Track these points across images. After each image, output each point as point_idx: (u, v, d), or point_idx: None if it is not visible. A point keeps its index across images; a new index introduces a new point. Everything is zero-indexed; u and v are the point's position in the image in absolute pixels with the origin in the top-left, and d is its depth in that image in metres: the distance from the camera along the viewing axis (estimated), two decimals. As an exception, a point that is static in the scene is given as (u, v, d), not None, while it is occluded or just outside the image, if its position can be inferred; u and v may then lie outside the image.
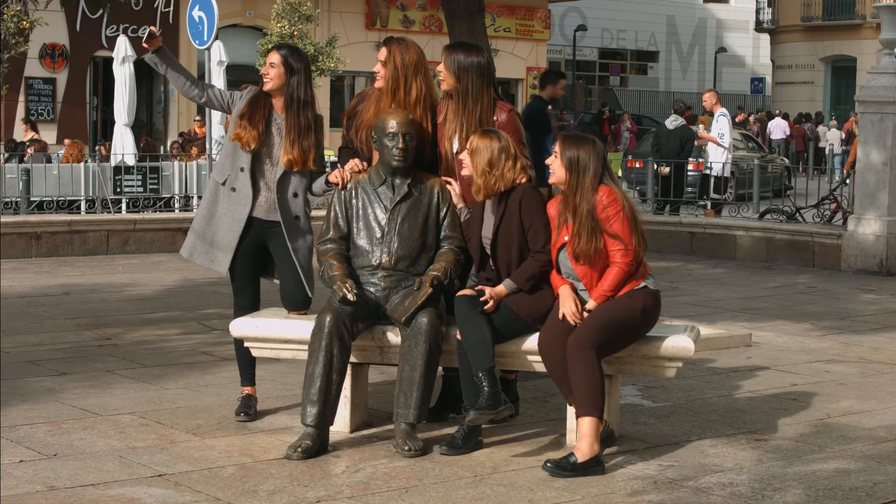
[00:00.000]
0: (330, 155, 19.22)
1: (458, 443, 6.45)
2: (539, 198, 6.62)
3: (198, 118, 27.21)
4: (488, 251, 6.67)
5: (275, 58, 7.02)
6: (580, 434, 6.18)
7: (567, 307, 6.38)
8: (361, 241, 6.77)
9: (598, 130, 39.52)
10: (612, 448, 6.46)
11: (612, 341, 6.35)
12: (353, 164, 6.92)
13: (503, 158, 6.55)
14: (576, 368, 6.22)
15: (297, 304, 7.04)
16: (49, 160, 20.13)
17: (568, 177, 6.40)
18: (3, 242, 14.71)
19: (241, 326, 6.91)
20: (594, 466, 6.12)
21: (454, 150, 6.94)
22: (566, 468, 6.07)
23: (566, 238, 6.41)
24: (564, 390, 6.41)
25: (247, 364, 7.22)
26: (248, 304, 7.16)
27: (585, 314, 6.36)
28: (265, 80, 7.03)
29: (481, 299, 6.46)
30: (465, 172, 6.67)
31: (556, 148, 6.47)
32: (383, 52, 7.06)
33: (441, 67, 6.98)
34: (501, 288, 6.54)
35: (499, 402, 6.34)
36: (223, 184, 7.06)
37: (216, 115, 21.94)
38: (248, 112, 6.99)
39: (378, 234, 6.74)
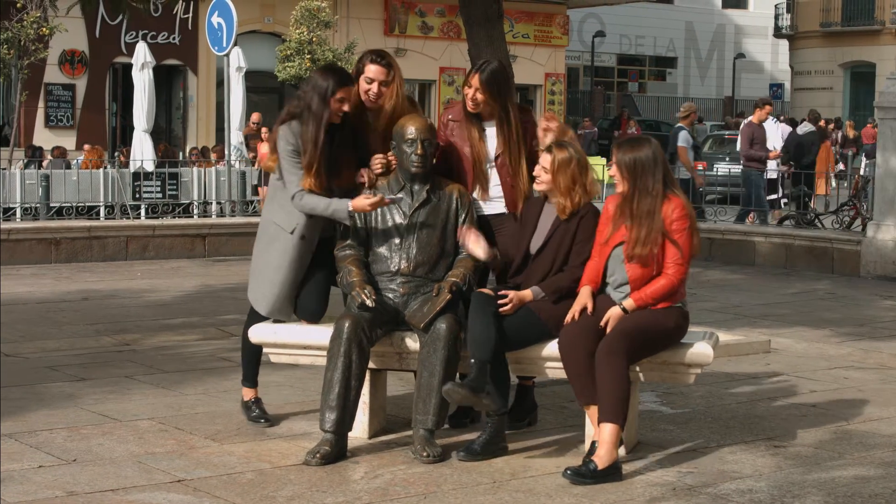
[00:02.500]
0: None
1: (477, 449, 6.44)
2: (598, 217, 6.61)
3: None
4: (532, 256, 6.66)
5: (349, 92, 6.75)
6: (600, 440, 6.16)
7: (576, 306, 6.38)
8: (380, 247, 6.77)
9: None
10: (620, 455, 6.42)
11: (639, 351, 6.35)
12: (377, 159, 6.87)
13: (582, 173, 6.56)
14: (604, 375, 6.20)
15: (314, 316, 6.95)
16: (68, 166, 20.24)
17: (628, 181, 6.37)
18: (23, 248, 14.78)
19: (261, 332, 6.90)
20: (613, 473, 6.11)
21: (494, 157, 6.92)
22: (586, 475, 6.06)
23: (622, 239, 6.39)
24: (577, 388, 6.36)
25: (254, 365, 7.17)
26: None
27: (618, 311, 6.33)
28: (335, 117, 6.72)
29: (501, 301, 6.45)
30: (542, 188, 6.64)
31: (613, 156, 6.44)
32: (381, 72, 6.83)
33: (473, 90, 6.86)
34: (528, 293, 6.52)
35: (481, 388, 6.29)
36: (291, 232, 6.79)
37: (234, 122, 22.01)
38: (315, 160, 6.67)
39: (397, 240, 6.74)
